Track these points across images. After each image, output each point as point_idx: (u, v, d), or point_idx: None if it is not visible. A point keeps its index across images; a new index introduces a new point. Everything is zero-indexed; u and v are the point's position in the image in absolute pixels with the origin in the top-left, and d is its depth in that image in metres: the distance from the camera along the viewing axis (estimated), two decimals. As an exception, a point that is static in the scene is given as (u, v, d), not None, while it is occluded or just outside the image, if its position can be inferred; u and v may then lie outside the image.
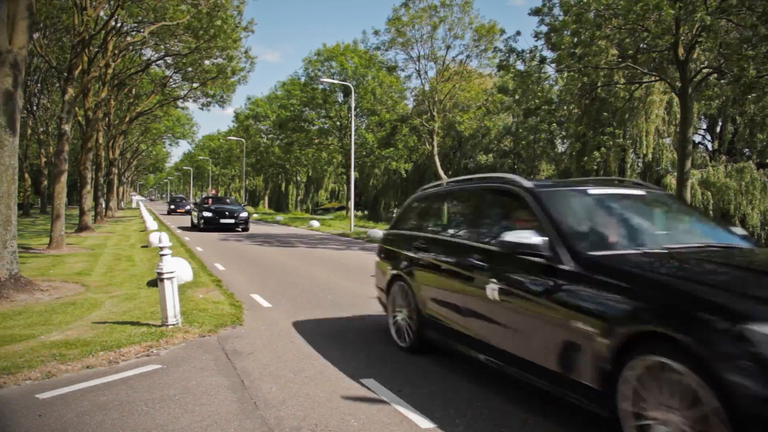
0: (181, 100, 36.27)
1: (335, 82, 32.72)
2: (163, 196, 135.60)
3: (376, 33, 30.68)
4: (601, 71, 19.34)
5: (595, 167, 25.23)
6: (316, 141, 43.97)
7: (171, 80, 33.11)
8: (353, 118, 27.93)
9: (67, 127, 16.28)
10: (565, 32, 17.67)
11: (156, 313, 6.32)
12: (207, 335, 5.71)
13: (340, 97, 39.32)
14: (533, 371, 3.47)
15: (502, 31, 27.54)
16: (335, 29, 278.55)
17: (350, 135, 29.50)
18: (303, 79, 40.35)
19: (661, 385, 2.63)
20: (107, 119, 30.31)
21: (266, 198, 69.09)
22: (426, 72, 32.03)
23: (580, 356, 3.06)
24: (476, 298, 3.97)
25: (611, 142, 21.34)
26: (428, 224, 5.26)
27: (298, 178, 62.35)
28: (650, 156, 27.91)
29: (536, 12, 19.10)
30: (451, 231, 4.85)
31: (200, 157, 78.15)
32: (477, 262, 4.04)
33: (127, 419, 3.53)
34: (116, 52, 22.62)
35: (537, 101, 20.31)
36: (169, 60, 28.79)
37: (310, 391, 4.05)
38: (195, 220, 24.34)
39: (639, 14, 15.34)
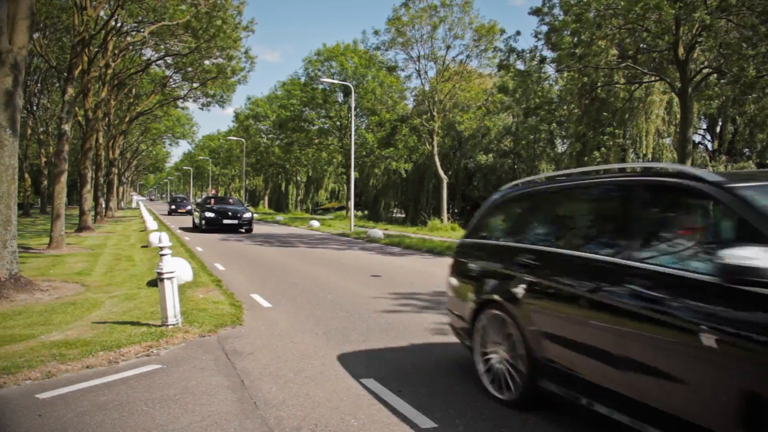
0: (181, 100, 36.31)
1: (335, 82, 32.73)
2: (163, 196, 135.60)
3: (376, 33, 30.74)
4: (601, 71, 19.35)
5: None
6: (316, 141, 43.98)
7: (171, 80, 33.13)
8: (353, 118, 27.93)
9: (67, 127, 16.28)
10: (565, 32, 17.68)
11: (156, 313, 6.32)
12: (207, 335, 5.71)
13: (340, 97, 39.34)
14: None
15: (502, 31, 27.58)
16: (335, 29, 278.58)
17: (350, 135, 29.50)
18: (303, 79, 40.39)
19: None
20: (107, 119, 30.31)
21: (266, 198, 69.12)
22: (426, 72, 32.06)
23: None
24: (652, 345, 2.74)
25: (611, 142, 21.35)
26: (535, 232, 4.03)
27: (298, 178, 62.34)
28: (650, 156, 27.90)
29: (536, 12, 19.12)
30: (578, 242, 3.52)
31: (200, 157, 78.17)
32: (649, 291, 2.78)
33: (127, 419, 3.53)
34: (116, 52, 22.61)
35: (537, 101, 20.32)
36: (169, 60, 28.80)
37: (310, 391, 4.05)
38: (196, 221, 23.76)
39: (639, 14, 15.35)
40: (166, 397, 3.93)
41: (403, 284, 9.32)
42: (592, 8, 16.49)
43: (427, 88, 31.39)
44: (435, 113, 30.41)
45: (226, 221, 21.85)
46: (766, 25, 14.09)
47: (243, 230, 22.25)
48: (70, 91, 16.19)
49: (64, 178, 15.92)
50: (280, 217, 39.82)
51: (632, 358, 2.83)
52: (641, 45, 19.03)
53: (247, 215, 22.54)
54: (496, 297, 3.90)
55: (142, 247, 15.49)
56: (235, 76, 29.21)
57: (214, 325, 6.01)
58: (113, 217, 35.52)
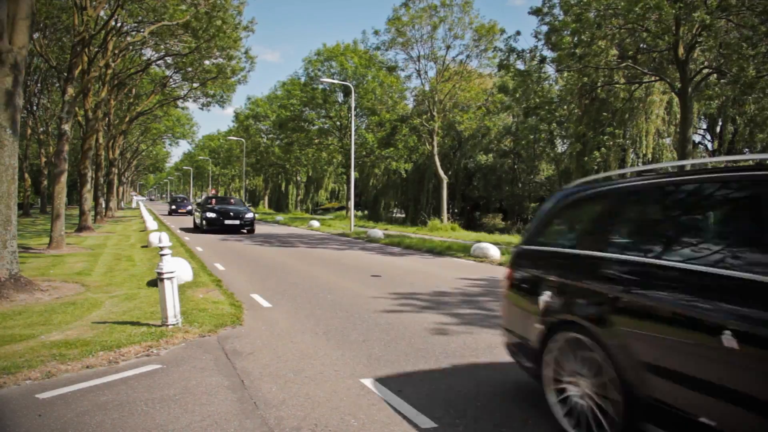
0: (181, 100, 36.30)
1: (335, 82, 32.74)
2: (163, 196, 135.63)
3: (376, 33, 30.80)
4: (601, 71, 19.36)
5: (596, 167, 25.23)
6: (316, 141, 43.99)
7: (171, 80, 33.13)
8: (353, 118, 27.93)
9: (67, 127, 16.29)
10: (565, 32, 17.69)
11: (156, 313, 6.32)
12: (207, 335, 5.71)
13: (340, 97, 39.36)
14: None
15: (502, 31, 27.58)
16: (335, 29, 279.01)
17: (350, 135, 29.51)
18: (303, 79, 40.41)
19: None
20: (107, 119, 30.32)
21: (266, 198, 69.16)
22: (426, 72, 32.10)
23: None
24: None
25: (611, 142, 21.35)
26: (627, 240, 3.29)
27: (298, 178, 62.37)
28: (650, 156, 27.93)
29: (536, 12, 19.12)
30: (694, 253, 2.80)
31: (200, 157, 78.19)
32: None
33: (127, 419, 3.53)
34: (116, 52, 22.61)
35: (537, 100, 20.34)
36: (169, 60, 28.79)
37: (310, 391, 4.05)
38: (197, 222, 23.45)
39: (639, 14, 15.35)
40: (166, 397, 3.93)
41: (403, 284, 9.31)
42: (592, 8, 16.50)
43: (427, 88, 31.42)
44: (435, 113, 30.42)
45: (227, 222, 21.54)
46: (766, 25, 14.09)
47: (245, 231, 21.95)
48: (70, 91, 16.20)
49: (64, 178, 15.93)
50: (280, 217, 39.82)
51: None
52: (641, 45, 19.05)
53: (249, 216, 22.21)
54: (575, 318, 3.23)
55: (142, 247, 15.49)
56: (235, 76, 29.21)
57: (214, 325, 6.01)
58: (113, 217, 35.52)
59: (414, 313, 6.93)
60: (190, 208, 40.19)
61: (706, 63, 17.90)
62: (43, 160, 40.01)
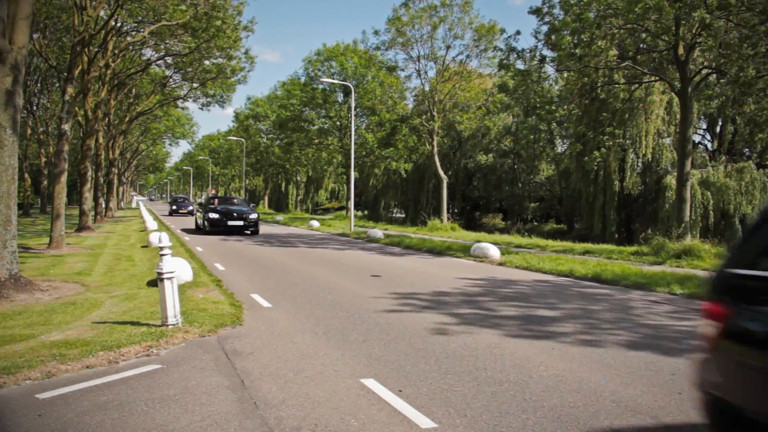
0: (181, 100, 36.32)
1: (335, 82, 32.74)
2: (163, 196, 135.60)
3: (376, 33, 30.80)
4: (601, 71, 19.35)
5: (595, 167, 25.23)
6: (316, 141, 44.00)
7: (171, 80, 33.14)
8: (353, 118, 27.94)
9: (66, 127, 16.29)
10: (565, 32, 17.67)
11: (156, 313, 6.32)
12: (207, 335, 5.71)
13: (340, 97, 39.36)
14: None
15: (502, 31, 27.57)
16: (335, 29, 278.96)
17: (350, 135, 29.51)
18: (303, 79, 40.42)
19: None
20: (107, 119, 30.32)
21: (266, 198, 69.16)
22: (426, 72, 32.11)
23: None
24: None
25: (611, 142, 21.34)
26: None
27: (298, 178, 62.37)
28: (650, 156, 27.93)
29: (536, 12, 19.10)
30: None
31: (200, 157, 78.21)
32: None
33: (127, 419, 3.53)
34: (116, 52, 22.62)
35: (537, 100, 20.32)
36: (169, 60, 28.80)
37: (310, 391, 4.05)
38: (199, 222, 22.64)
39: (639, 14, 15.34)
40: (166, 397, 3.93)
41: (403, 284, 9.32)
42: (592, 8, 16.49)
43: (427, 88, 31.42)
44: (435, 113, 30.42)
45: (230, 222, 20.82)
46: (766, 25, 14.08)
47: (248, 232, 21.17)
48: (70, 91, 16.20)
49: (64, 178, 15.93)
50: (280, 217, 39.82)
51: None
52: (641, 45, 19.03)
53: (253, 216, 21.44)
54: None
55: (142, 247, 15.49)
56: (235, 76, 29.23)
57: (214, 325, 6.01)
58: (113, 217, 35.52)
59: (414, 313, 6.93)
60: (191, 208, 39.59)
61: (705, 63, 17.88)
62: (43, 160, 40.02)
